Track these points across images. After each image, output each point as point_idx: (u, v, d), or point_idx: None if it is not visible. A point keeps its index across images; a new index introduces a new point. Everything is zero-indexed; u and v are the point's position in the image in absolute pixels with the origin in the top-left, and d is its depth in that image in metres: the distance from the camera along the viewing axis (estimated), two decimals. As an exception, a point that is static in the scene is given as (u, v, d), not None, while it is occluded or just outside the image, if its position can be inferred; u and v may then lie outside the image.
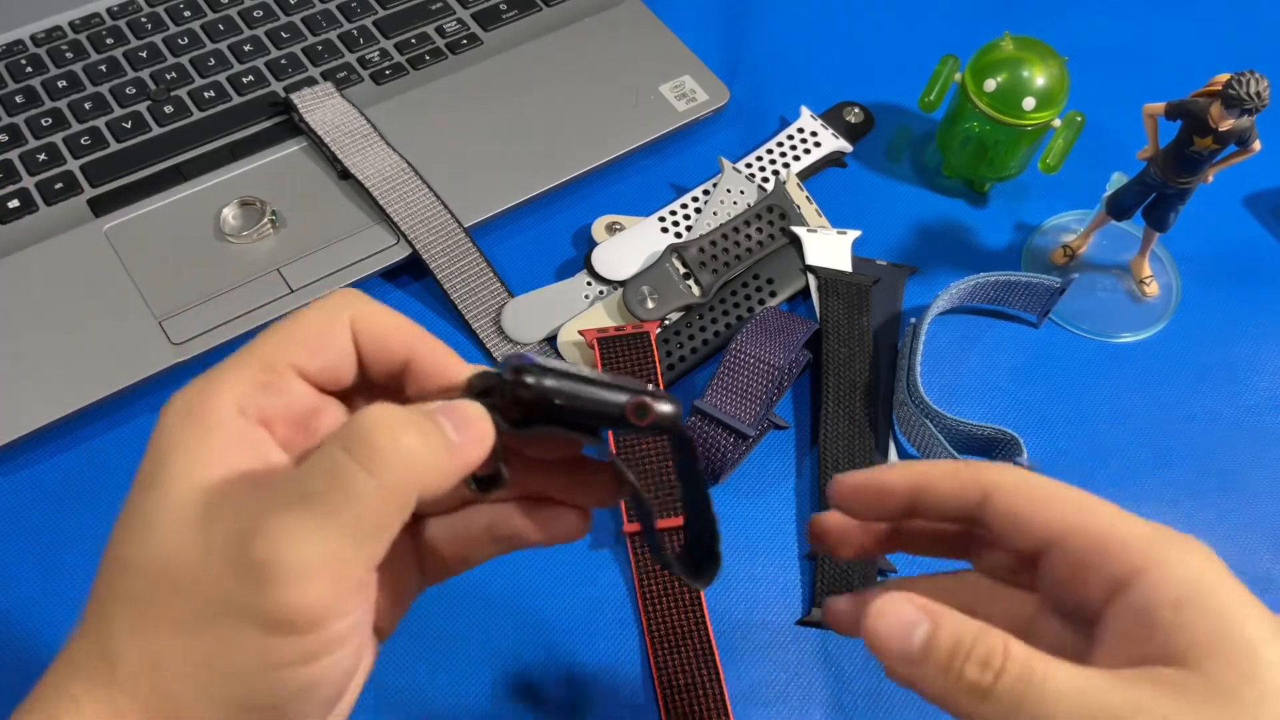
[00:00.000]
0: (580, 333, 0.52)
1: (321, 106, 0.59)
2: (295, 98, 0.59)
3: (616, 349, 0.51)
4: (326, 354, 0.29)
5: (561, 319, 0.53)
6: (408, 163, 0.57)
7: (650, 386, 0.31)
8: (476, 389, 0.29)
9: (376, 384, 0.31)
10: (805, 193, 0.58)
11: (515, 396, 0.28)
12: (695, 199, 0.58)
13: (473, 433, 0.28)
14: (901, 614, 0.28)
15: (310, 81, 0.61)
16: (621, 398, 0.29)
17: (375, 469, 0.25)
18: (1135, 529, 0.29)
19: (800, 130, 0.61)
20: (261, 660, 0.25)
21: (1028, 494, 0.30)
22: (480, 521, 0.32)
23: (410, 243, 0.54)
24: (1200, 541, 0.29)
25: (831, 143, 0.61)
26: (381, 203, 0.55)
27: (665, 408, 0.29)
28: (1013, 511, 0.30)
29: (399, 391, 0.30)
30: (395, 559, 0.32)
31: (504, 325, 0.53)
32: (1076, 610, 0.30)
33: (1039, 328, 0.56)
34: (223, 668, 0.25)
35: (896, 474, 0.32)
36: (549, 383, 0.28)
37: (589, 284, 0.55)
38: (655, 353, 0.51)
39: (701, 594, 0.46)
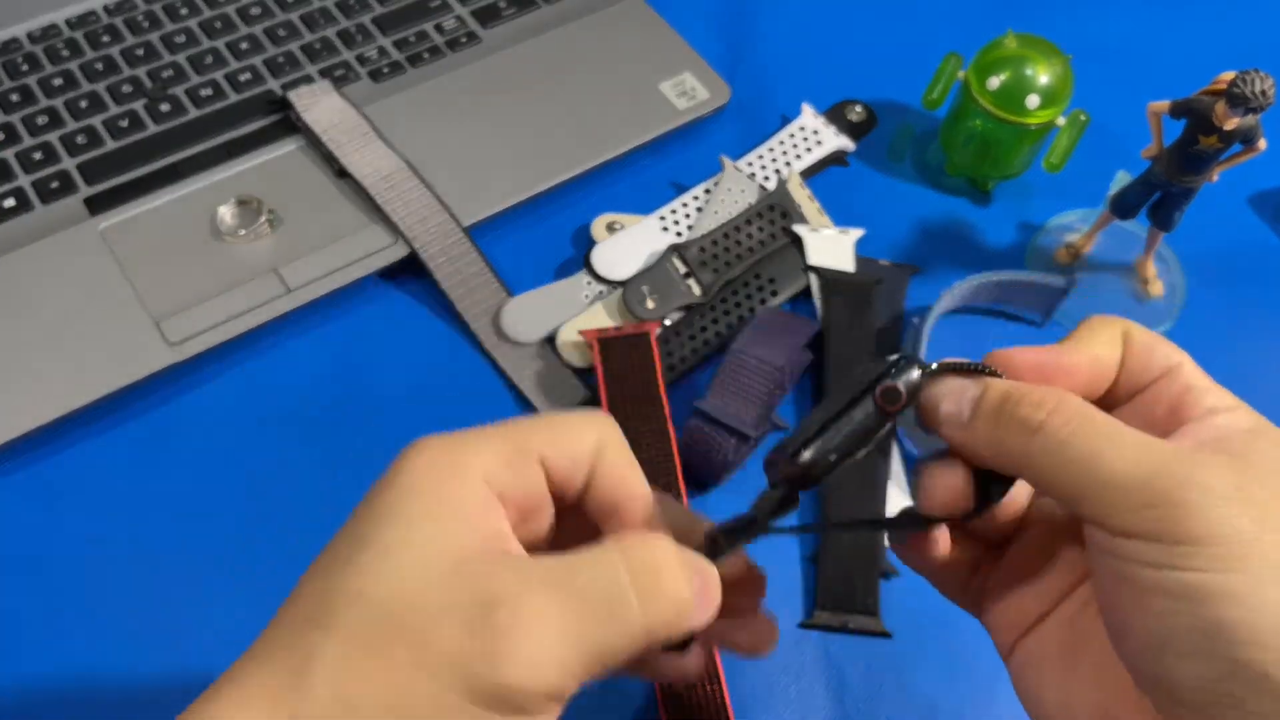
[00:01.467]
0: (580, 333, 0.52)
1: (319, 104, 0.58)
2: (292, 96, 0.58)
3: (616, 349, 0.50)
4: (571, 457, 0.29)
5: (561, 319, 0.53)
6: (406, 161, 0.56)
7: (893, 357, 0.30)
8: (717, 540, 0.30)
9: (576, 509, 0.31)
10: (807, 191, 0.58)
11: (788, 475, 0.30)
12: (696, 198, 0.58)
13: (708, 599, 0.28)
14: (961, 385, 0.29)
15: (308, 79, 0.60)
16: (869, 407, 0.29)
17: (649, 609, 0.26)
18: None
19: (802, 128, 0.61)
20: None
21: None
22: None
23: (408, 242, 0.54)
24: None
25: (833, 141, 0.60)
26: (379, 202, 0.55)
27: (913, 374, 0.30)
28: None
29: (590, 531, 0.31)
30: None
31: (503, 325, 0.53)
32: None
33: (1043, 328, 0.55)
34: None
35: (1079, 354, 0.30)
36: (813, 452, 0.29)
37: (589, 283, 0.54)
38: (655, 353, 0.50)
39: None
